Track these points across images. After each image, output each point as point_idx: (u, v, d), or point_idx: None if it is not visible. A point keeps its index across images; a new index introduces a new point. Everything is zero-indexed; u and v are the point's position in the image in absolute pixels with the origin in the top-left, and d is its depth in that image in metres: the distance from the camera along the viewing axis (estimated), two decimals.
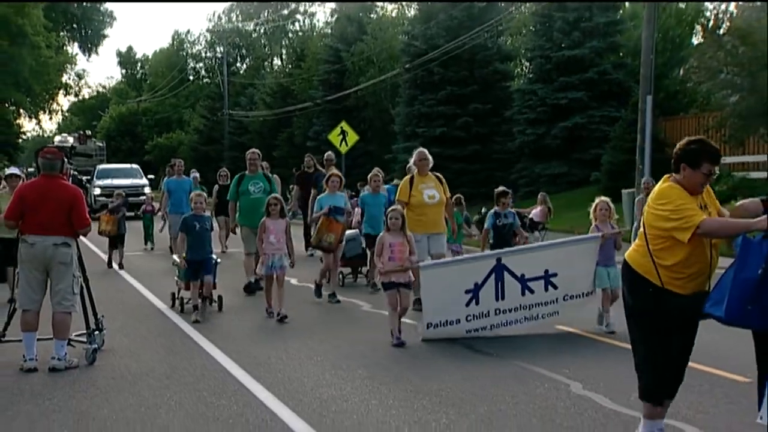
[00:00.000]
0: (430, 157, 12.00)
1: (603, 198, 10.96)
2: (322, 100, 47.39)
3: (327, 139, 30.81)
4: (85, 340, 9.04)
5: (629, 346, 9.43)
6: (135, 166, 41.60)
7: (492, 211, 12.15)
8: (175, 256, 12.93)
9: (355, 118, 40.88)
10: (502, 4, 40.84)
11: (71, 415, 7.00)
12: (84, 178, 38.92)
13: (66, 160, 9.25)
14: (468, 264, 10.50)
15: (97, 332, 9.16)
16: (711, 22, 43.25)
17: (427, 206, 11.66)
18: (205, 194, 12.74)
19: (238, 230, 14.46)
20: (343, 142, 27.30)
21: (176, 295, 12.34)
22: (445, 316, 9.86)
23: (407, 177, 12.08)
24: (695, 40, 41.61)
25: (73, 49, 71.83)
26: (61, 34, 65.06)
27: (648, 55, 24.89)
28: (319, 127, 44.91)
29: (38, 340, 8.65)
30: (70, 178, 10.21)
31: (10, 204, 8.92)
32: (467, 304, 9.84)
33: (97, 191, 35.42)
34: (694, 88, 35.30)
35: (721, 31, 35.76)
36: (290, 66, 63.98)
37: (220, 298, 12.13)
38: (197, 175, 23.87)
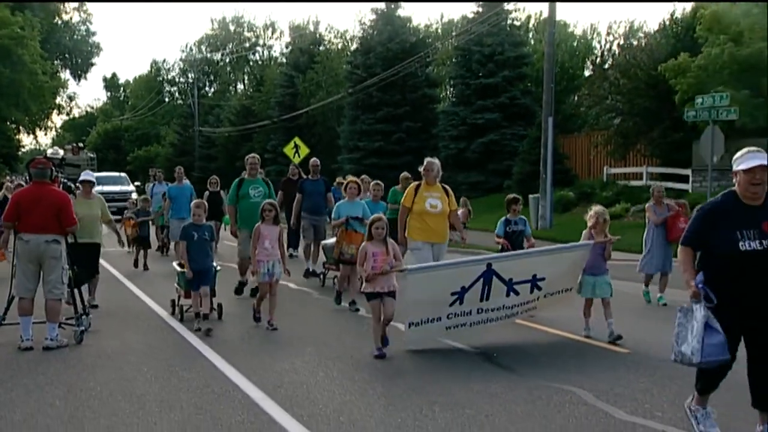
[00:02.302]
0: (437, 169, 10.17)
1: (601, 207, 9.31)
2: (278, 118, 47.18)
3: (282, 152, 30.62)
4: (73, 323, 8.93)
5: (552, 330, 9.33)
6: (123, 174, 40.50)
7: (503, 218, 10.37)
8: (174, 263, 10.99)
9: (307, 134, 40.70)
10: (429, 40, 41.01)
11: (62, 387, 6.89)
12: (74, 185, 37.95)
13: (53, 169, 9.14)
14: (458, 269, 8.46)
15: (84, 316, 9.05)
16: (598, 59, 44.15)
17: (428, 215, 9.93)
18: (205, 204, 10.45)
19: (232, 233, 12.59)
20: (296, 155, 27.19)
21: (176, 303, 10.48)
22: (427, 314, 8.19)
23: (414, 184, 10.34)
24: (586, 73, 42.48)
25: (66, 75, 70.28)
26: (55, 62, 63.94)
27: (549, 84, 25.28)
28: (276, 142, 44.68)
29: (33, 323, 8.51)
30: (60, 185, 9.98)
31: (7, 207, 8.82)
32: (451, 305, 8.19)
33: None
34: (585, 112, 36.05)
35: (606, 66, 36.54)
36: (251, 90, 63.52)
37: (219, 306, 10.34)
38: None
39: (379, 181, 13.01)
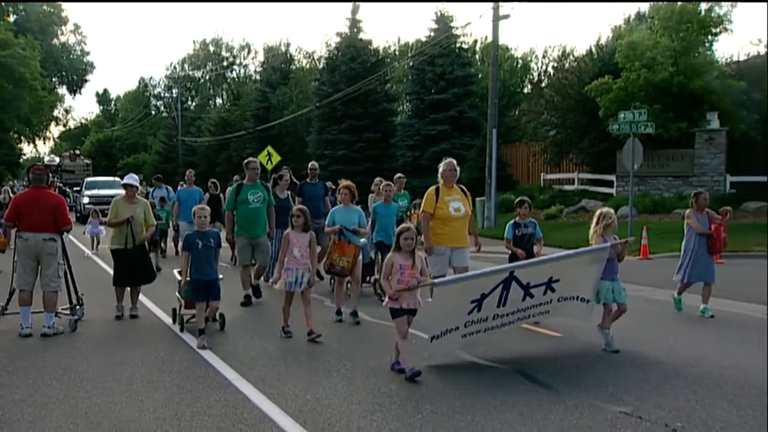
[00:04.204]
0: (458, 169, 8.89)
1: (610, 209, 7.96)
2: (253, 129, 46.91)
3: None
4: (68, 312, 8.87)
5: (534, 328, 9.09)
6: (117, 179, 39.77)
7: (512, 221, 9.14)
8: (175, 271, 9.24)
9: (279, 143, 40.47)
10: (388, 60, 41.00)
11: (58, 370, 6.82)
12: (73, 189, 37.32)
13: (50, 174, 9.04)
14: (483, 278, 7.07)
15: (78, 306, 9.00)
16: (536, 78, 44.68)
17: (453, 219, 8.57)
18: (208, 208, 8.62)
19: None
20: (269, 162, 27.06)
21: (177, 312, 8.99)
22: (447, 325, 6.97)
23: (432, 188, 8.86)
24: (525, 90, 42.97)
25: (62, 90, 69.20)
26: (53, 79, 63.12)
27: (493, 99, 25.49)
28: (251, 150, 44.25)
29: (32, 312, 8.45)
30: (56, 189, 9.84)
31: (8, 209, 8.81)
32: (469, 312, 7.02)
33: (86, 200, 32.69)
34: (525, 124, 36.43)
35: (543, 85, 37.02)
36: (229, 104, 63.01)
37: (221, 316, 8.76)
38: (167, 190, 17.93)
39: (390, 183, 11.15)
